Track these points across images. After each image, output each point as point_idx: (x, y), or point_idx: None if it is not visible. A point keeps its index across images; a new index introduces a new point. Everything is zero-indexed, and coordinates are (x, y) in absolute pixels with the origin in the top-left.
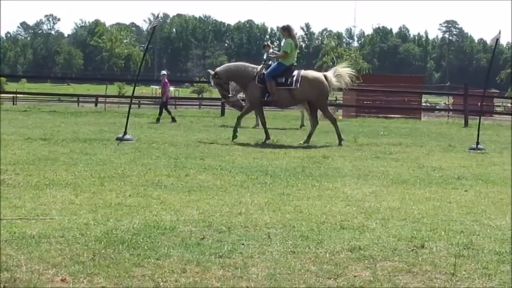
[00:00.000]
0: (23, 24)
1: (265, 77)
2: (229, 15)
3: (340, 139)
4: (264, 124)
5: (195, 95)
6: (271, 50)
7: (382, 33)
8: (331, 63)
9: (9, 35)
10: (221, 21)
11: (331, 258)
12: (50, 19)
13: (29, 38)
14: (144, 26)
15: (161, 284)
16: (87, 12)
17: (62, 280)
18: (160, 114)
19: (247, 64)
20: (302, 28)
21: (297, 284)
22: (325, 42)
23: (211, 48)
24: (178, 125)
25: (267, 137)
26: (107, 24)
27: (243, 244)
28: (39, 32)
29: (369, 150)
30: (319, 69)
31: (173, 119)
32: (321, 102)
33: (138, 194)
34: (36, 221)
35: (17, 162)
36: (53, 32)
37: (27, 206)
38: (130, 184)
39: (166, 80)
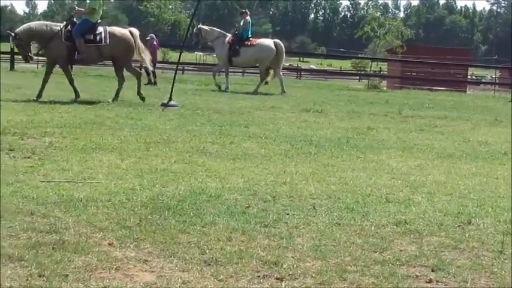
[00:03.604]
0: None
1: (73, 35)
2: None
3: (140, 94)
4: (71, 82)
5: None
6: (247, 17)
7: (428, 4)
8: (372, 33)
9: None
10: None
11: (377, 232)
12: None
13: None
14: None
15: (207, 251)
16: None
17: (109, 244)
18: (155, 77)
19: (48, 23)
20: None
21: (342, 256)
22: (370, 12)
23: (255, 16)
24: (223, 92)
25: (77, 95)
26: None
27: (288, 214)
28: None
29: (414, 122)
30: (359, 39)
31: (150, 82)
32: (127, 58)
33: (183, 161)
34: (83, 184)
35: (64, 125)
36: None
37: (74, 169)
38: (176, 150)
39: (154, 43)
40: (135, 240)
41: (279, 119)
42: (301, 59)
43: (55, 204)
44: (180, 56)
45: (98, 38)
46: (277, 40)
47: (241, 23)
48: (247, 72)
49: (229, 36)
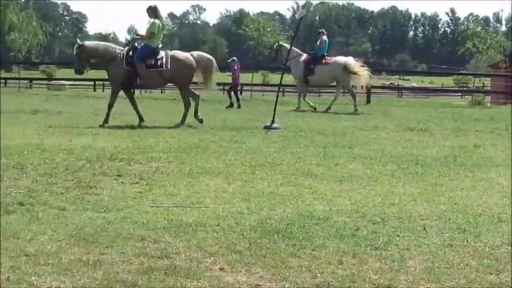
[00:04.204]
0: (171, 15)
1: (135, 60)
2: (372, 1)
3: (197, 117)
4: (110, 107)
5: None
6: (324, 37)
7: None
8: (474, 49)
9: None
10: (364, 8)
11: (491, 253)
12: (196, 9)
13: (176, 28)
14: (288, 15)
15: (318, 275)
16: (232, 2)
17: (220, 269)
18: (238, 100)
19: (113, 45)
20: (447, 13)
21: (456, 278)
22: (470, 27)
23: (354, 35)
24: (325, 113)
25: (106, 120)
26: (251, 13)
27: (398, 236)
28: (186, 22)
29: None
30: (462, 56)
31: (231, 105)
32: (187, 81)
33: (289, 183)
34: (192, 208)
35: (169, 150)
36: (199, 21)
37: (182, 194)
38: (281, 173)
39: (235, 67)
40: (246, 264)
41: (383, 139)
42: (402, 77)
43: (165, 229)
44: (281, 78)
45: (159, 62)
46: (351, 57)
47: (318, 43)
48: (348, 92)
49: (305, 56)
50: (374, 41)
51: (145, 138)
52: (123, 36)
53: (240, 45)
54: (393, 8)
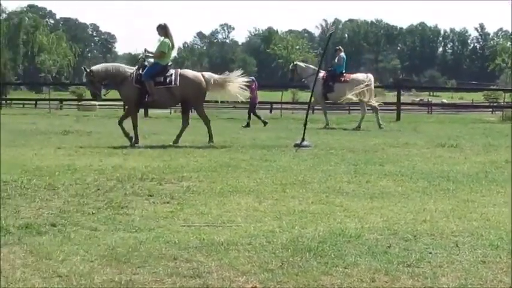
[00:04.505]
0: (199, 34)
1: (143, 78)
2: (401, 18)
3: (210, 139)
4: (135, 126)
5: None
6: (342, 54)
7: None
8: (504, 65)
9: (186, 45)
10: (393, 25)
11: None
12: (225, 28)
13: (205, 47)
14: (316, 32)
15: None
16: (260, 20)
17: None
18: (259, 118)
19: (123, 65)
20: (476, 29)
21: None
22: (500, 42)
23: (383, 52)
24: (355, 130)
25: (136, 140)
26: (280, 31)
27: (430, 253)
28: (215, 40)
29: None
30: (492, 71)
31: (248, 125)
32: (198, 101)
33: (321, 201)
34: (223, 227)
35: (200, 169)
36: (227, 40)
37: (213, 213)
38: (312, 191)
39: (253, 86)
40: (278, 283)
41: (414, 156)
42: (432, 93)
43: (197, 248)
44: (311, 96)
45: (168, 80)
46: (369, 74)
47: (336, 60)
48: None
49: (323, 73)
50: (403, 57)
51: (175, 158)
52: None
53: (269, 64)
54: (422, 24)
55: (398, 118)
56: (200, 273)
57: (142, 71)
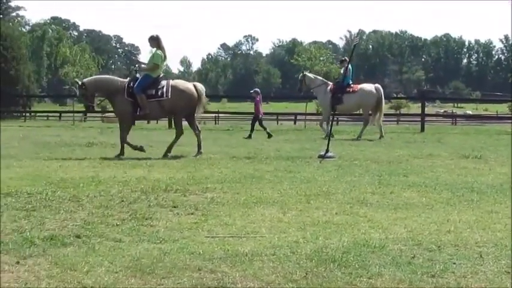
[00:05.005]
0: (223, 46)
1: (135, 91)
2: (425, 29)
3: (199, 151)
4: (123, 139)
5: (392, 111)
6: (348, 65)
7: None
8: None
9: (210, 56)
10: (418, 36)
11: None
12: (249, 39)
13: (229, 59)
14: (341, 44)
15: None
16: (284, 32)
17: None
18: (265, 129)
19: (115, 77)
20: (501, 40)
21: None
22: None
23: (408, 63)
24: (379, 141)
25: (121, 152)
26: (304, 42)
27: (454, 263)
28: (239, 52)
29: None
30: None
31: (250, 137)
32: (191, 111)
33: (345, 212)
34: (247, 238)
35: (224, 180)
36: (251, 52)
37: (237, 224)
38: (336, 202)
39: (257, 98)
40: None
41: (438, 167)
42: (456, 104)
43: (221, 259)
44: (335, 108)
45: (159, 92)
46: (377, 85)
47: (342, 71)
48: (401, 121)
49: (330, 84)
50: (427, 68)
51: (200, 169)
52: (176, 68)
53: (293, 75)
54: (446, 36)
55: (422, 129)
56: (225, 284)
57: (133, 84)
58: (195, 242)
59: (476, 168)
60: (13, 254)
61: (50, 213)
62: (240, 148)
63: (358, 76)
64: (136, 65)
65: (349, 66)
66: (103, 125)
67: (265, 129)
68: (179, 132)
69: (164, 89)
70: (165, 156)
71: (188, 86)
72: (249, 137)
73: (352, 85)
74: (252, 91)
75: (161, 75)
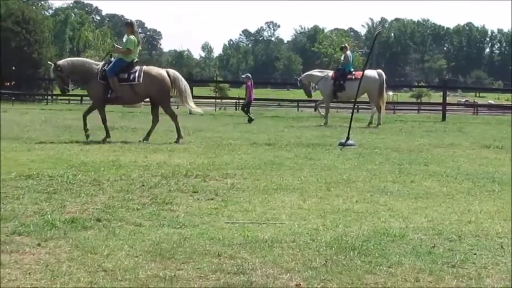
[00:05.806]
0: (245, 32)
1: (107, 74)
2: (448, 18)
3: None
4: (104, 121)
5: (413, 100)
6: (348, 52)
7: None
8: None
9: (231, 42)
10: (440, 25)
11: None
12: (271, 26)
13: (250, 45)
14: (363, 31)
15: None
16: (306, 19)
17: (296, 285)
18: (247, 113)
19: (90, 60)
20: None
21: None
22: None
23: (429, 52)
24: (400, 130)
25: (107, 135)
26: (326, 29)
27: (475, 254)
28: (260, 38)
29: None
30: None
31: (250, 120)
32: (163, 98)
33: (365, 200)
34: (267, 225)
35: (244, 166)
36: (273, 38)
37: (257, 210)
38: (356, 190)
39: (249, 83)
40: (322, 281)
41: (459, 156)
42: (478, 94)
43: (241, 245)
44: (356, 95)
45: (131, 76)
46: (380, 70)
47: (342, 58)
48: (422, 109)
49: (332, 72)
50: (449, 57)
51: (220, 155)
52: (197, 53)
53: (314, 62)
54: (469, 25)
55: (443, 118)
56: (244, 270)
57: (107, 67)
58: (215, 227)
59: (498, 158)
60: (34, 236)
61: (70, 196)
62: (260, 134)
63: (380, 64)
64: (112, 47)
65: (349, 53)
66: (124, 110)
67: (247, 113)
68: (173, 116)
69: (136, 74)
70: (177, 142)
71: (160, 71)
72: (250, 120)
73: (353, 72)
74: (243, 76)
75: (135, 60)
